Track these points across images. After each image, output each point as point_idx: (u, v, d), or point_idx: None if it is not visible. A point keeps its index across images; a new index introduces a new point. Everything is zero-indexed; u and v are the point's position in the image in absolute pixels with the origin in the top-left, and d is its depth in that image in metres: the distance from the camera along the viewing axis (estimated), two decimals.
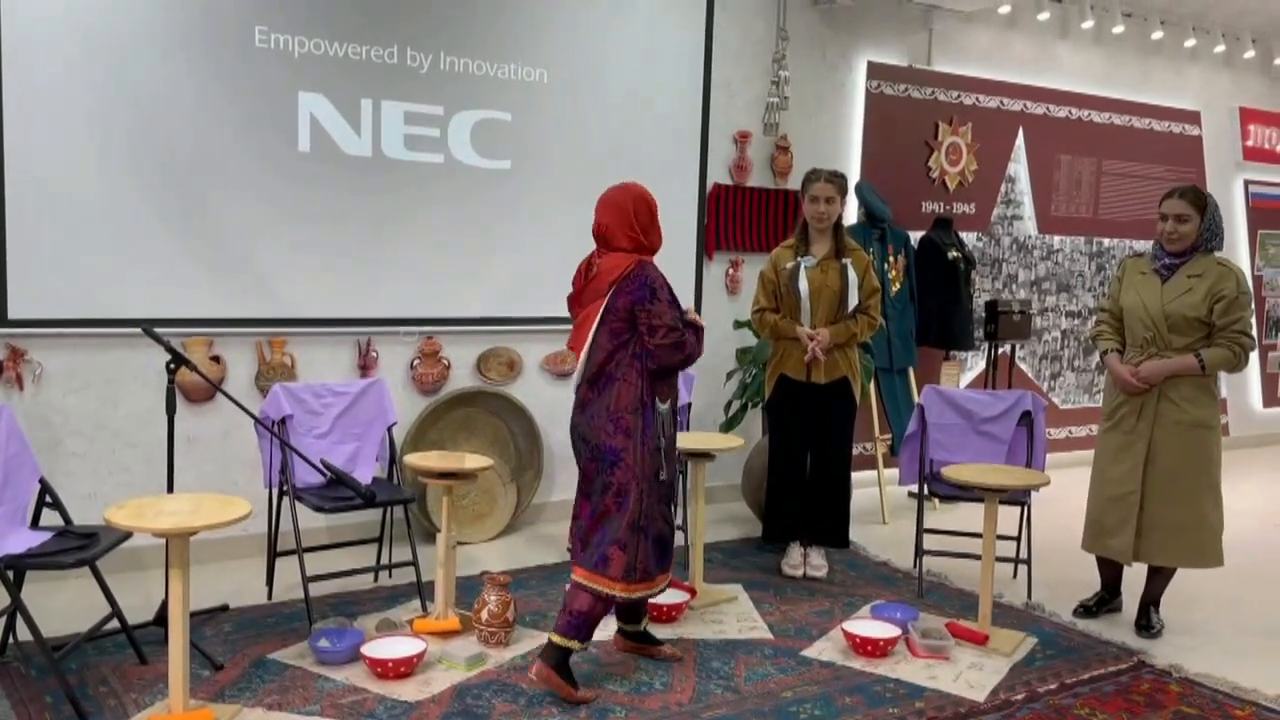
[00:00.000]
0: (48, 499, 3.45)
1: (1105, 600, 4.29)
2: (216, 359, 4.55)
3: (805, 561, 4.67)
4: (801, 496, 4.66)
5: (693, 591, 4.19)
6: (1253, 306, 3.95)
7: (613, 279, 3.27)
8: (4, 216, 4.06)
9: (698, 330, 3.40)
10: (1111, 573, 4.27)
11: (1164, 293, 3.95)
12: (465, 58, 4.96)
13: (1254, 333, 3.94)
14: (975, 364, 6.88)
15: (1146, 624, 4.08)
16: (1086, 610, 4.25)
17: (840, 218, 4.62)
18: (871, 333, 4.62)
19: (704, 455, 4.26)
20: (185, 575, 2.96)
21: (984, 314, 6.48)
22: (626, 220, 3.31)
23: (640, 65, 5.44)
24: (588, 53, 5.28)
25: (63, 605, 3.92)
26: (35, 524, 3.44)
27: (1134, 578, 4.26)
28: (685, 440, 4.34)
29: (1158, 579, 4.11)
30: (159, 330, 4.32)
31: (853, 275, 4.51)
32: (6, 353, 4.14)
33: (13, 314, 4.12)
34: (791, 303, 4.55)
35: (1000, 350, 6.63)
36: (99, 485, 4.36)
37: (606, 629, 3.88)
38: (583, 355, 3.33)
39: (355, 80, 4.71)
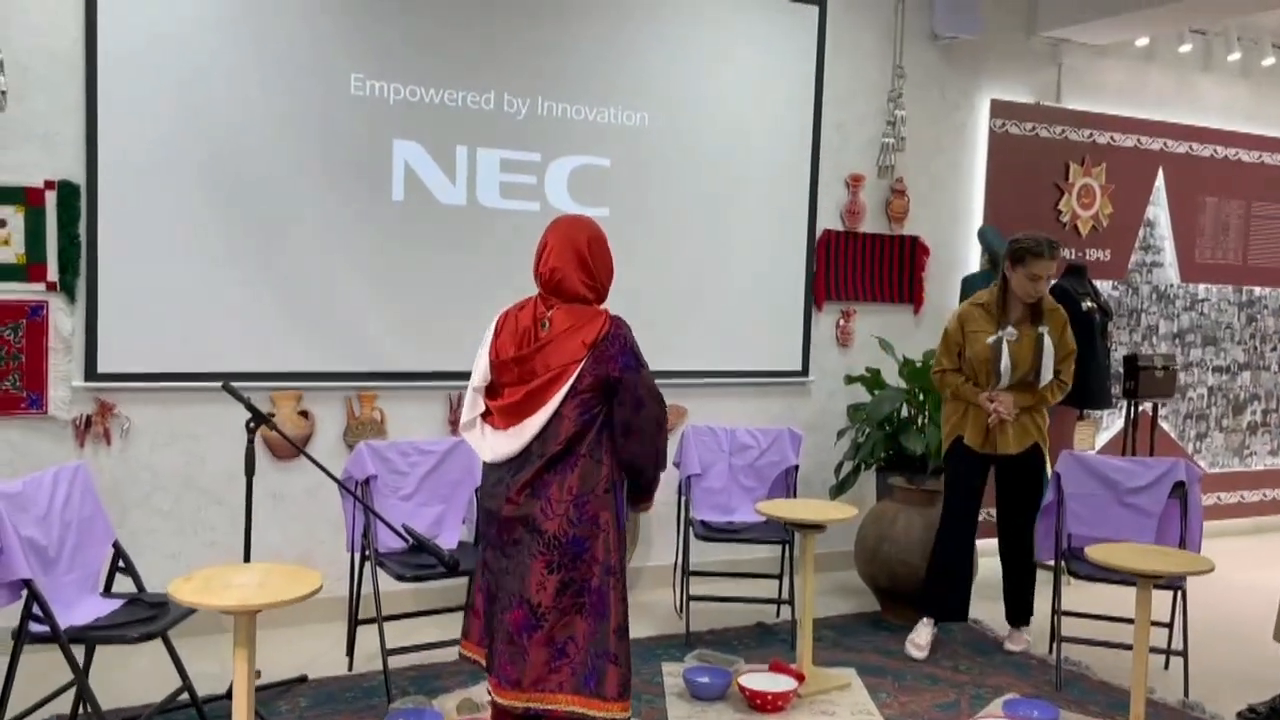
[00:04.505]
0: (120, 564, 3.30)
1: None
2: (305, 414, 4.41)
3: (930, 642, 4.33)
4: (968, 573, 4.41)
5: (801, 676, 3.81)
6: None
7: (588, 341, 2.71)
8: (96, 270, 4.01)
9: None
10: None
11: None
12: (564, 103, 4.77)
13: None
14: (1113, 424, 6.33)
15: None
16: (1256, 715, 3.71)
17: None
18: (1062, 396, 4.30)
19: (814, 526, 3.90)
20: (250, 654, 2.74)
21: (1122, 369, 5.95)
22: (581, 262, 2.80)
23: (745, 106, 5.17)
24: (690, 95, 5.04)
25: (138, 672, 3.77)
26: (108, 590, 3.29)
27: None
28: (793, 509, 3.99)
29: None
30: (247, 384, 4.25)
31: (1048, 345, 4.19)
32: (95, 407, 4.07)
33: (102, 368, 4.05)
34: (985, 372, 4.24)
35: (1140, 409, 6.08)
36: (184, 544, 4.23)
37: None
38: (532, 431, 2.71)
39: (451, 127, 4.56)
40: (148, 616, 3.04)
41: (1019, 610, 4.45)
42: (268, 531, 4.36)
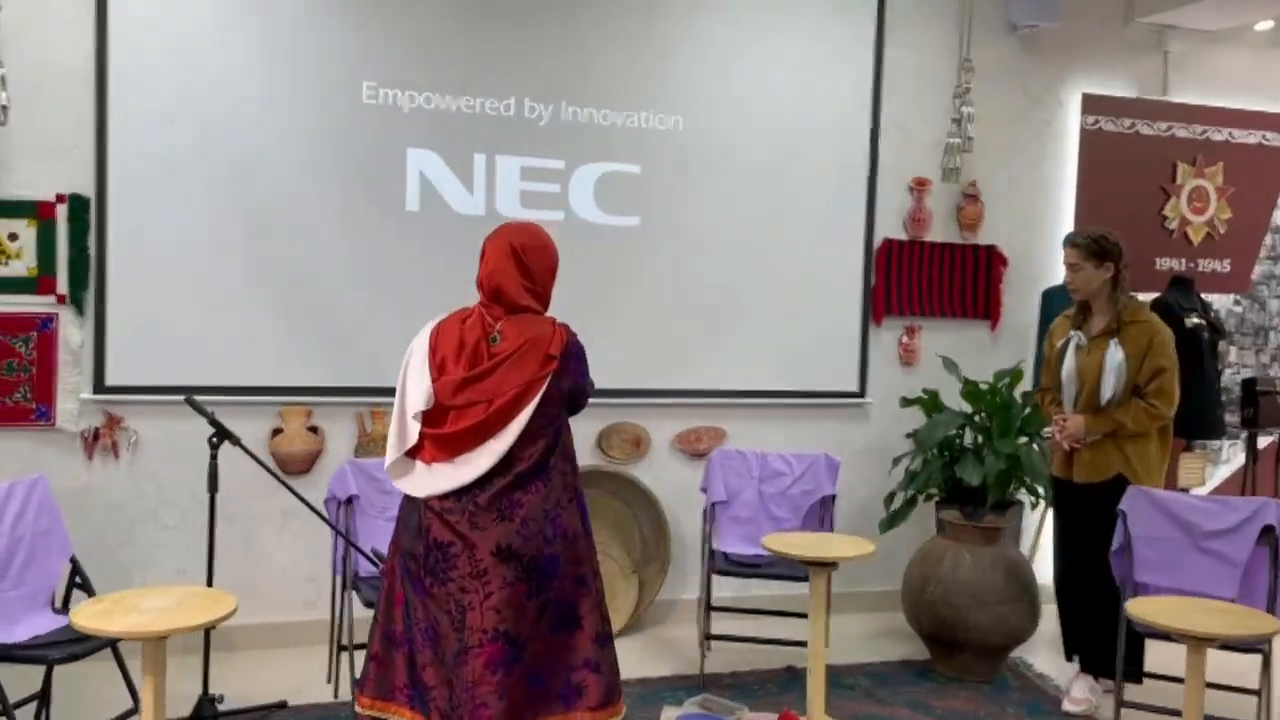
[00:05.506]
0: (77, 580, 3.23)
1: None
2: (314, 429, 4.31)
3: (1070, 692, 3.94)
4: (1082, 614, 3.95)
5: None
6: None
7: (552, 353, 2.55)
8: (105, 282, 4.02)
9: None
10: None
11: None
12: (590, 107, 4.54)
13: None
14: (1234, 456, 5.60)
15: None
16: None
17: (1115, 285, 3.84)
18: (1152, 423, 3.79)
19: (825, 564, 3.50)
20: (158, 682, 2.61)
21: (1240, 394, 5.26)
22: (520, 266, 2.62)
23: (794, 106, 4.81)
24: (729, 96, 4.72)
25: (104, 692, 3.63)
26: (66, 605, 3.23)
27: None
28: (800, 544, 3.61)
29: None
30: (255, 398, 4.21)
31: (1113, 357, 3.75)
32: (104, 420, 4.07)
33: (110, 381, 4.05)
34: (1059, 384, 3.92)
35: (1270, 440, 5.36)
36: (190, 561, 4.17)
37: None
38: (493, 456, 2.49)
39: (468, 135, 4.40)
40: (81, 637, 2.93)
41: (1083, 651, 3.94)
42: (276, 551, 4.29)
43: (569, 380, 2.60)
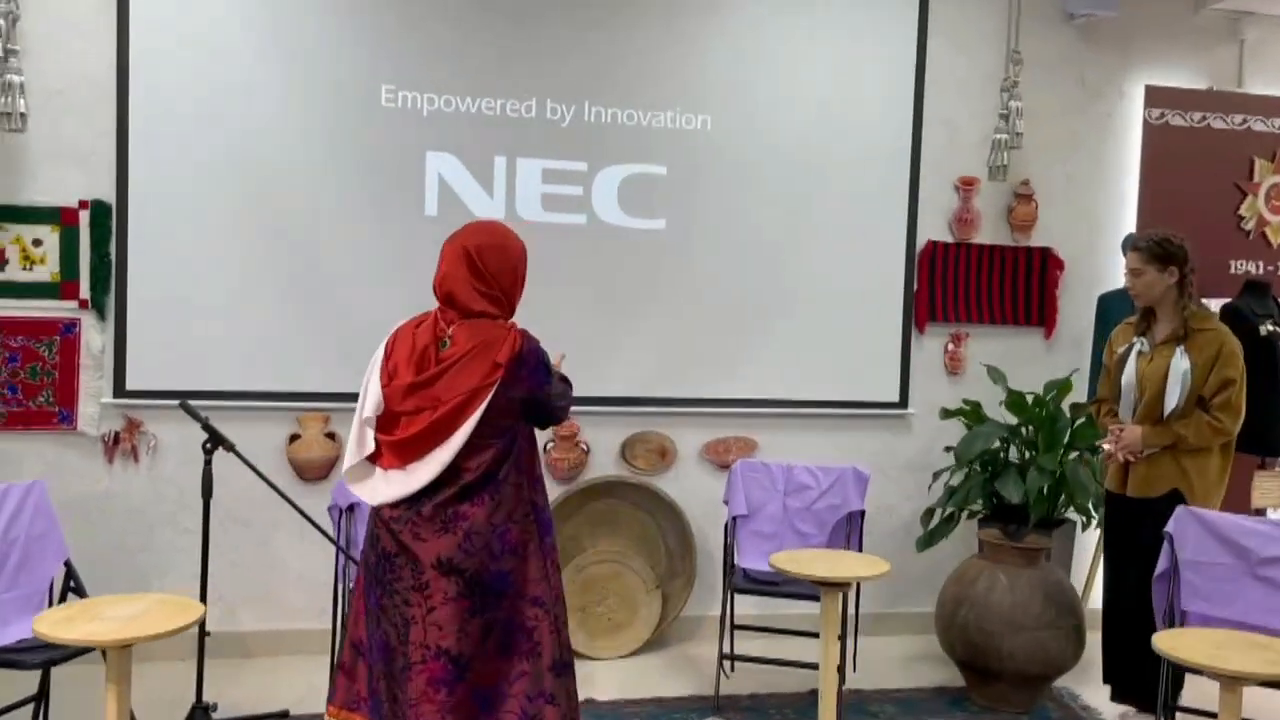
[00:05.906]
0: (72, 583, 3.23)
1: None
2: (332, 436, 4.27)
3: None
4: (1126, 642, 3.69)
5: None
6: None
7: (499, 360, 2.40)
8: (126, 288, 4.05)
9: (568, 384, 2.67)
10: None
11: None
12: (613, 107, 4.42)
13: None
14: None
15: None
16: None
17: (1180, 291, 3.61)
18: (1215, 438, 3.56)
19: (836, 584, 3.30)
20: (122, 691, 2.58)
21: None
22: (473, 268, 2.47)
23: (828, 102, 4.60)
24: (761, 92, 4.54)
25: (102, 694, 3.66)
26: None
27: None
28: (809, 562, 3.41)
29: None
30: (273, 404, 4.20)
31: (1179, 366, 3.52)
32: (124, 424, 4.10)
33: (130, 385, 4.08)
34: (1117, 394, 3.71)
35: None
36: (209, 565, 4.17)
37: None
38: (437, 466, 2.37)
39: (488, 137, 4.32)
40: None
41: (1120, 679, 3.71)
42: (290, 557, 4.26)
43: (521, 389, 2.45)
